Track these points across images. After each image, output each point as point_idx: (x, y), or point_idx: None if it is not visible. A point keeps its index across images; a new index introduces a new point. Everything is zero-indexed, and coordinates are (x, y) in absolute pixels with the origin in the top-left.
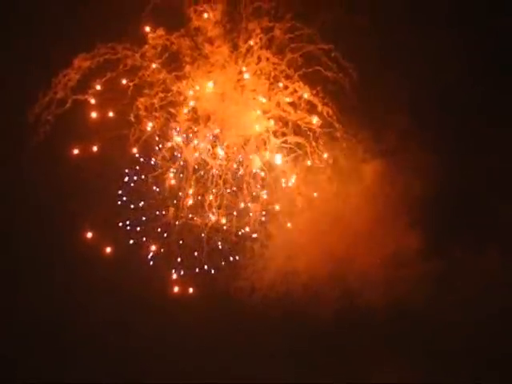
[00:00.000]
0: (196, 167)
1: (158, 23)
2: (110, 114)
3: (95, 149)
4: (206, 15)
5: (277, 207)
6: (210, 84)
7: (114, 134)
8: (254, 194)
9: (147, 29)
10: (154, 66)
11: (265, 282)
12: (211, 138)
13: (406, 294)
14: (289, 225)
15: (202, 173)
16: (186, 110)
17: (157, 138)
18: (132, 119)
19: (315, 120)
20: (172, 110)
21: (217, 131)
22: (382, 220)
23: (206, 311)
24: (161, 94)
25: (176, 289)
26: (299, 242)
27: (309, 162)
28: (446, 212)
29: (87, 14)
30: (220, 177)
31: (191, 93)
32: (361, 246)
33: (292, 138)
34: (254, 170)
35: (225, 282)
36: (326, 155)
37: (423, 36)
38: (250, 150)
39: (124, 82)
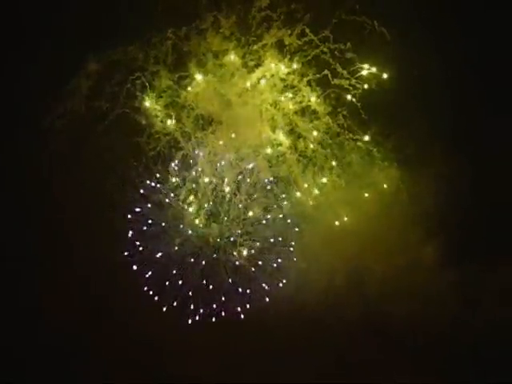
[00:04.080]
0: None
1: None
2: None
3: None
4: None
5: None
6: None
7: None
8: (265, 205)
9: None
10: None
11: (281, 293)
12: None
13: (423, 304)
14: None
15: (216, 186)
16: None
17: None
18: (144, 122)
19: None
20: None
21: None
22: (399, 229)
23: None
24: (168, 99)
25: None
26: (315, 252)
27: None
28: (466, 222)
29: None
30: (237, 188)
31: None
32: (378, 256)
33: (302, 147)
34: (265, 181)
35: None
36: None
37: (444, 42)
38: (259, 159)
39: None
